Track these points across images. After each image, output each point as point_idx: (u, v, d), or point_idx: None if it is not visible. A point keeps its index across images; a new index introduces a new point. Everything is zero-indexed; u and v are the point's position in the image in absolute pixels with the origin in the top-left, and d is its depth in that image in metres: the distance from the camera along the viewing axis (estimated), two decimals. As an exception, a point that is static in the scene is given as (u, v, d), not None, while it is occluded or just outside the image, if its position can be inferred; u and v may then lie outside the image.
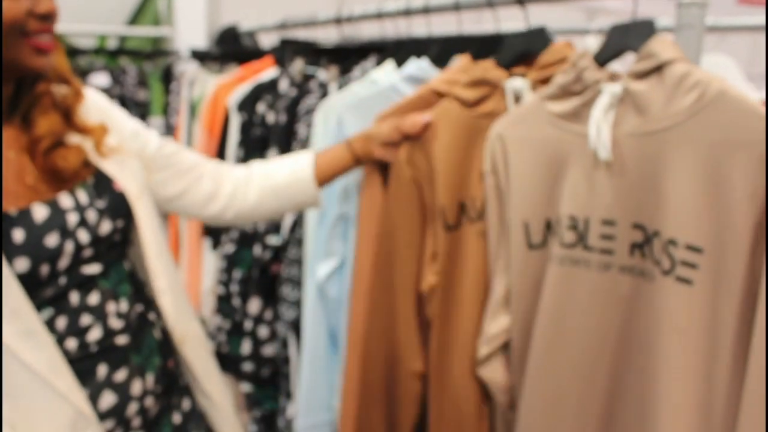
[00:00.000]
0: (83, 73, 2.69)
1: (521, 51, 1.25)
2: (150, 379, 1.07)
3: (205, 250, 2.28)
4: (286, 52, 1.95)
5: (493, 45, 1.35)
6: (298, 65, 1.89)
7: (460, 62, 1.33)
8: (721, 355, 0.90)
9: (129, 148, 1.13)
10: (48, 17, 0.93)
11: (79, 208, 0.99)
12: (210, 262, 2.22)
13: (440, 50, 1.48)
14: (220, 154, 2.13)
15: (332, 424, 1.55)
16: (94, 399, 0.99)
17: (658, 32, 1.00)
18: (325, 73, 1.83)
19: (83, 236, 0.99)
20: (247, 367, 1.91)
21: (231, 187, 1.27)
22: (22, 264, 0.90)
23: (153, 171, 1.18)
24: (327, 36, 2.12)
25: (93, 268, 1.01)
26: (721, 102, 0.88)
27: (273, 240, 1.83)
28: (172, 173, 1.22)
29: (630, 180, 0.98)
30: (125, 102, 2.77)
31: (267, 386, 1.95)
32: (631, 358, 1.02)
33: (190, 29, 2.97)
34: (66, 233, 0.96)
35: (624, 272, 1.01)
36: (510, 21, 1.57)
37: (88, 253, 1.00)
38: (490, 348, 1.18)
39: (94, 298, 1.01)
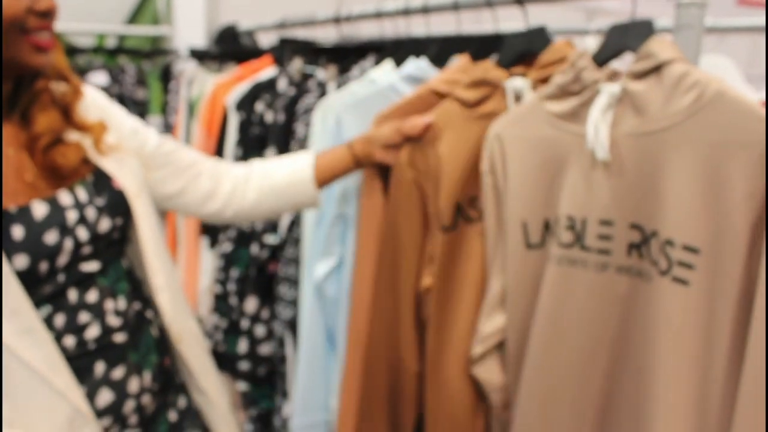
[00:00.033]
0: (82, 72, 2.68)
1: (521, 51, 1.25)
2: (147, 376, 1.07)
3: (202, 249, 2.28)
4: (284, 51, 1.95)
5: (492, 45, 1.35)
6: (296, 64, 1.89)
7: (459, 62, 1.33)
8: (716, 355, 0.90)
9: (128, 146, 1.13)
10: (47, 14, 0.94)
11: (79, 206, 0.99)
12: (207, 261, 2.22)
13: (439, 50, 1.48)
14: (219, 153, 2.13)
15: (329, 423, 1.55)
16: (91, 396, 0.99)
17: (657, 33, 1.00)
18: (323, 73, 1.83)
19: (82, 234, 0.99)
20: (244, 365, 1.91)
21: (230, 186, 1.27)
22: (22, 261, 0.90)
23: (152, 169, 1.18)
24: (326, 35, 2.12)
25: (92, 266, 1.01)
26: (720, 102, 0.88)
27: (270, 239, 1.83)
28: (170, 171, 1.22)
29: (628, 180, 0.98)
30: (124, 101, 2.76)
31: (263, 385, 1.95)
32: (627, 359, 1.01)
33: (189, 28, 2.96)
34: (65, 230, 0.96)
35: (621, 272, 1.01)
36: (509, 21, 1.57)
37: (87, 250, 1.00)
38: (484, 347, 1.17)
39: (92, 296, 1.00)
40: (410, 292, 1.26)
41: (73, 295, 0.98)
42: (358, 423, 1.35)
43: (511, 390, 1.17)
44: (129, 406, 1.04)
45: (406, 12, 1.65)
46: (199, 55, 2.64)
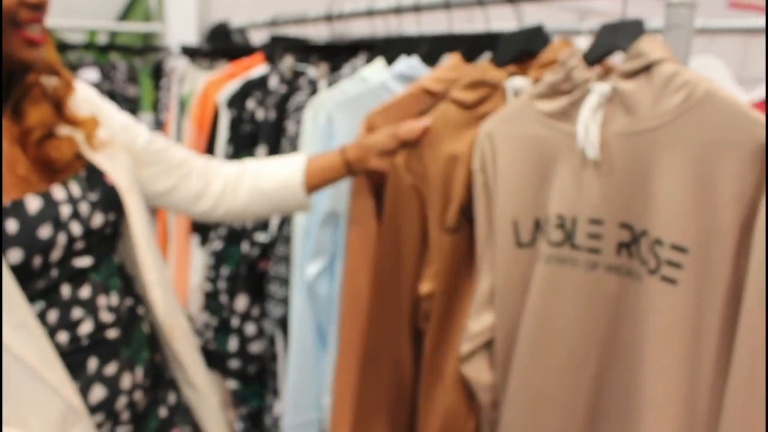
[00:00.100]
0: (73, 69, 2.67)
1: (518, 50, 1.24)
2: (139, 372, 1.07)
3: (193, 247, 2.27)
4: (276, 48, 1.95)
5: (484, 44, 1.35)
6: (288, 62, 1.89)
7: (450, 60, 1.33)
8: (705, 354, 0.90)
9: (119, 141, 1.12)
10: (38, 6, 0.93)
11: (72, 201, 0.99)
12: (198, 259, 2.22)
13: (430, 48, 1.48)
14: (209, 150, 2.13)
15: (321, 422, 1.55)
16: (84, 392, 0.99)
17: (647, 33, 1.00)
18: (315, 71, 1.83)
19: (76, 228, 0.99)
20: (234, 364, 1.91)
21: (220, 186, 1.26)
22: (16, 255, 0.90)
23: (142, 166, 1.18)
24: (317, 33, 2.12)
25: (84, 261, 1.01)
26: (709, 102, 0.88)
27: (261, 237, 1.83)
28: (161, 169, 1.22)
29: (618, 179, 0.98)
30: (115, 98, 2.76)
31: (254, 383, 1.95)
32: (616, 358, 1.02)
33: (180, 25, 2.95)
34: (59, 225, 0.96)
35: (611, 271, 1.01)
36: (501, 20, 1.57)
37: (80, 245, 1.00)
38: (472, 345, 1.17)
39: (85, 292, 1.00)
40: (409, 296, 1.26)
41: (66, 290, 0.98)
42: (355, 424, 1.35)
43: (499, 389, 1.17)
44: (121, 402, 1.04)
45: (398, 10, 1.65)
46: (190, 52, 2.64)
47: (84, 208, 1.00)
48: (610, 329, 1.02)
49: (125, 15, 3.15)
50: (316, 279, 1.48)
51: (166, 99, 2.81)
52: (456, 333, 1.23)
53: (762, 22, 1.51)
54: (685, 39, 1.01)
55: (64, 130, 1.02)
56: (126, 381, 1.04)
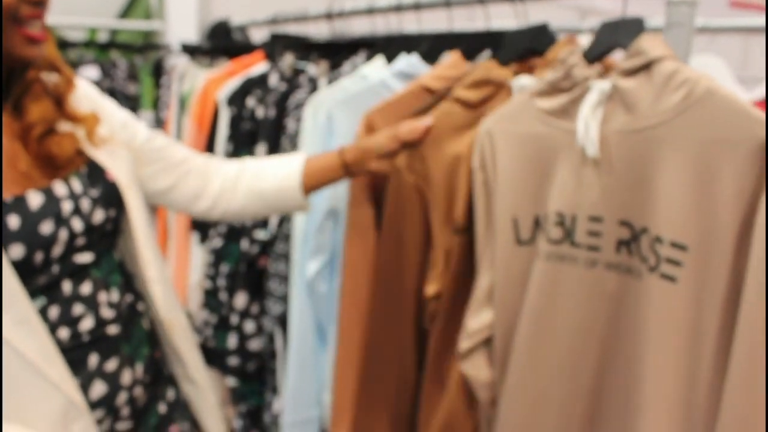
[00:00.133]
0: (73, 66, 2.67)
1: (523, 48, 1.24)
2: (139, 368, 1.07)
3: (192, 244, 2.27)
4: (276, 46, 1.95)
5: (484, 42, 1.36)
6: (288, 60, 1.89)
7: (450, 58, 1.33)
8: (704, 352, 0.90)
9: (119, 138, 1.12)
10: (39, 3, 0.93)
11: (74, 197, 0.99)
12: (197, 256, 2.22)
13: (430, 46, 1.48)
14: (209, 148, 2.13)
15: (321, 419, 1.55)
16: (85, 388, 0.98)
17: (648, 31, 1.00)
18: (315, 68, 1.83)
19: (77, 224, 0.98)
20: (233, 361, 1.91)
21: (218, 187, 1.26)
22: (17, 251, 0.90)
23: (142, 164, 1.18)
24: (318, 31, 2.13)
25: (85, 257, 1.01)
26: (709, 100, 0.88)
27: (260, 234, 1.83)
28: (161, 167, 1.21)
29: (618, 177, 0.98)
30: (115, 95, 2.75)
31: (253, 381, 1.95)
32: (615, 355, 1.02)
33: (181, 23, 2.96)
34: (60, 221, 0.96)
35: (610, 269, 1.01)
36: (502, 18, 1.57)
37: (81, 241, 1.00)
38: (471, 343, 1.17)
39: (86, 288, 1.00)
40: (413, 297, 1.26)
41: (67, 286, 0.98)
42: (355, 421, 1.35)
43: (497, 386, 1.17)
44: (122, 398, 1.04)
45: (398, 8, 1.65)
46: (190, 50, 2.64)
47: (85, 204, 1.00)
48: (610, 327, 1.02)
49: (126, 13, 3.15)
50: (315, 276, 1.48)
51: (166, 97, 2.81)
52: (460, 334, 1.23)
53: (762, 22, 1.51)
54: (685, 37, 1.01)
55: (64, 127, 1.02)
56: (126, 377, 1.04)
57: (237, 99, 1.97)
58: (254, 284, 1.86)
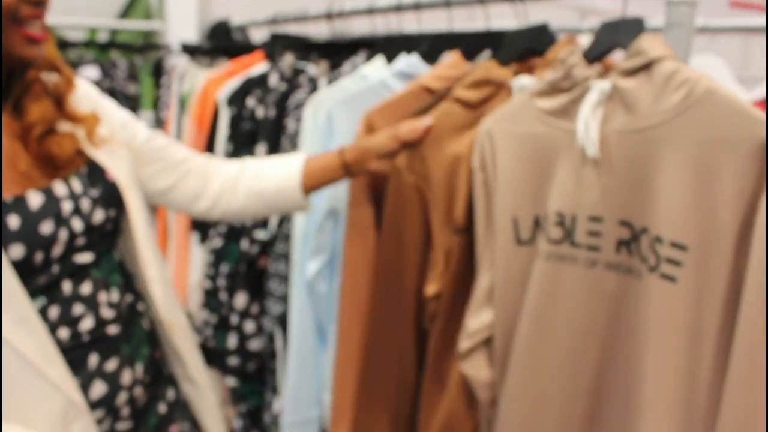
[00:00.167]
0: (73, 66, 2.67)
1: (523, 48, 1.24)
2: (139, 368, 1.07)
3: (193, 244, 2.27)
4: (276, 46, 1.95)
5: (484, 42, 1.36)
6: (288, 60, 1.89)
7: (450, 58, 1.33)
8: (703, 352, 0.90)
9: (119, 138, 1.12)
10: (39, 3, 0.93)
11: (74, 197, 0.99)
12: (197, 256, 2.22)
13: (430, 46, 1.48)
14: (209, 148, 2.13)
15: (321, 419, 1.55)
16: (85, 388, 0.98)
17: (648, 31, 1.00)
18: (315, 68, 1.83)
19: (77, 224, 0.98)
20: (233, 361, 1.91)
21: (218, 186, 1.26)
22: (17, 251, 0.90)
23: (142, 164, 1.18)
24: (318, 31, 2.13)
25: (85, 257, 1.01)
26: (709, 100, 0.88)
27: (260, 234, 1.83)
28: (161, 167, 1.21)
29: (618, 177, 0.98)
30: (115, 95, 2.75)
31: (253, 381, 1.95)
32: (615, 355, 1.02)
33: (181, 23, 2.96)
34: (60, 221, 0.96)
35: (610, 269, 1.01)
36: (502, 19, 1.57)
37: (81, 241, 1.00)
38: (471, 343, 1.17)
39: (86, 288, 1.00)
40: (413, 297, 1.26)
41: (67, 286, 0.98)
42: (355, 422, 1.35)
43: (497, 386, 1.17)
44: (122, 398, 1.04)
45: (398, 8, 1.65)
46: (190, 50, 2.64)
47: (85, 204, 1.00)
48: (610, 327, 1.02)
49: (126, 13, 3.15)
50: (315, 276, 1.48)
51: (166, 97, 2.81)
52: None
53: (762, 22, 1.51)
54: (685, 37, 1.01)
55: (64, 127, 1.02)
56: (126, 377, 1.04)
57: (237, 99, 1.97)
58: (254, 284, 1.86)
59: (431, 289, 1.22)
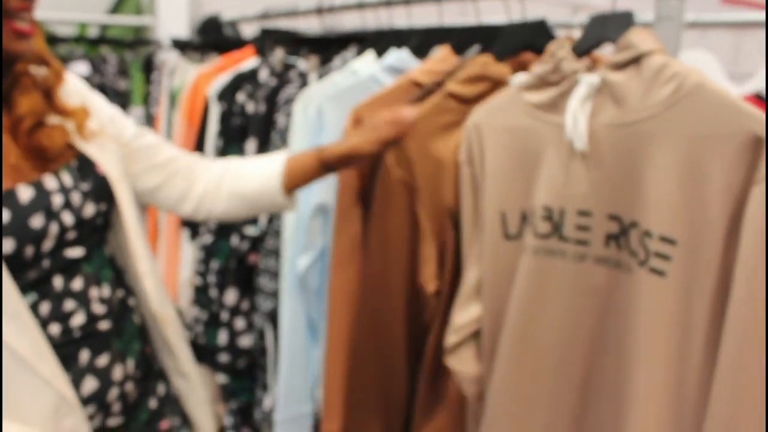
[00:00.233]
0: (63, 62, 2.65)
1: (520, 44, 1.24)
2: (130, 364, 1.07)
3: (183, 241, 2.27)
4: (266, 41, 1.95)
5: (474, 37, 1.35)
6: (278, 55, 1.88)
7: (440, 53, 1.33)
8: (693, 346, 0.90)
9: (108, 132, 1.12)
10: None
11: (64, 190, 0.99)
12: (188, 253, 2.21)
13: (420, 41, 1.48)
14: (200, 143, 2.12)
15: (316, 415, 1.55)
16: (76, 384, 0.98)
17: (637, 25, 0.99)
18: (305, 63, 1.83)
19: (67, 218, 0.98)
20: (224, 358, 1.91)
21: (202, 189, 1.25)
22: (7, 245, 0.90)
23: (131, 161, 1.17)
24: (308, 26, 2.12)
25: (76, 252, 1.01)
26: (698, 94, 0.88)
27: (250, 230, 1.83)
28: (149, 165, 1.21)
29: (606, 171, 0.98)
30: (106, 91, 2.74)
31: (243, 378, 1.95)
32: (605, 349, 1.02)
33: (171, 19, 2.95)
34: (51, 215, 0.95)
35: (599, 263, 1.01)
36: (493, 14, 1.57)
37: (71, 235, 0.99)
38: (458, 337, 1.17)
39: (77, 283, 1.00)
40: (401, 291, 1.25)
41: (58, 282, 0.98)
42: (349, 415, 1.35)
43: (485, 381, 1.17)
44: (113, 393, 1.03)
45: (388, 3, 1.65)
46: (181, 46, 2.63)
47: (76, 197, 1.00)
48: (599, 321, 1.02)
49: (116, 8, 3.14)
50: (306, 272, 1.47)
51: (157, 93, 2.80)
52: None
53: (753, 16, 1.51)
54: (674, 31, 1.01)
55: (54, 120, 1.02)
56: (117, 372, 1.04)
57: (227, 94, 1.96)
58: (244, 281, 1.86)
59: (432, 286, 1.22)
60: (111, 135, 1.12)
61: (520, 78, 1.15)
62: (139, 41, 3.07)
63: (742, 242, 0.84)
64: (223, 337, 1.90)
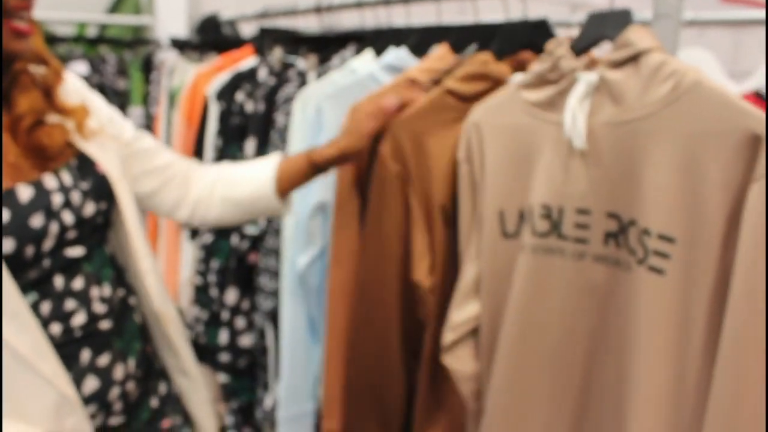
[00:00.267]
0: (62, 61, 2.65)
1: (520, 43, 1.24)
2: (131, 363, 1.08)
3: (183, 240, 2.27)
4: (265, 40, 1.95)
5: (473, 35, 1.35)
6: (277, 54, 1.88)
7: (438, 51, 1.33)
8: (692, 344, 0.90)
9: (108, 131, 1.12)
10: None
11: (64, 189, 0.99)
12: (188, 252, 2.21)
13: (419, 40, 1.48)
14: (199, 143, 2.12)
15: (317, 413, 1.55)
16: (77, 383, 0.99)
17: (635, 23, 0.99)
18: (304, 62, 1.83)
19: (68, 217, 0.98)
20: (224, 357, 1.91)
21: (196, 196, 1.25)
22: (7, 245, 0.90)
23: (128, 165, 1.17)
24: (307, 25, 2.12)
25: (76, 251, 1.01)
26: (696, 92, 0.88)
27: (250, 230, 1.83)
28: (146, 170, 1.21)
29: (605, 169, 0.98)
30: (105, 91, 2.74)
31: (244, 377, 1.95)
32: (604, 347, 1.02)
33: (170, 18, 2.95)
34: (51, 214, 0.95)
35: (598, 261, 1.01)
36: (492, 12, 1.57)
37: (72, 234, 0.99)
38: (455, 335, 1.17)
39: (78, 283, 1.00)
40: (396, 286, 1.25)
41: (59, 281, 0.98)
42: (347, 413, 1.35)
43: (483, 380, 1.17)
44: (114, 393, 1.04)
45: (387, 2, 1.65)
46: (180, 45, 2.63)
47: (76, 197, 1.00)
48: (598, 319, 1.02)
49: (115, 7, 3.13)
50: (306, 270, 1.48)
51: (156, 92, 2.80)
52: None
53: (752, 15, 1.51)
54: (673, 29, 1.01)
55: (53, 119, 1.02)
56: (118, 372, 1.04)
57: (226, 94, 1.96)
58: (245, 280, 1.86)
59: (427, 281, 1.22)
60: (111, 134, 1.12)
61: (520, 78, 1.15)
62: (138, 41, 3.07)
63: (740, 240, 0.84)
64: (223, 336, 1.90)
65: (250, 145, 1.83)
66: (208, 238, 1.93)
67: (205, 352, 1.92)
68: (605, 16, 1.03)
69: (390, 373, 1.29)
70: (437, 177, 1.20)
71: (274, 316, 1.70)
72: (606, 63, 0.98)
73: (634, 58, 0.95)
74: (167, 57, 2.77)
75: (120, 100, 2.81)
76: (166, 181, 1.23)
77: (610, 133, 0.96)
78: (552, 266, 1.04)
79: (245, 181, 1.25)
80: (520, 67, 1.24)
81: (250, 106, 1.87)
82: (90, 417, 1.00)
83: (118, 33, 3.16)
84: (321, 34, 1.89)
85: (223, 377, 1.96)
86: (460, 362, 1.18)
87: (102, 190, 1.05)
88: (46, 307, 0.96)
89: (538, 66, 1.05)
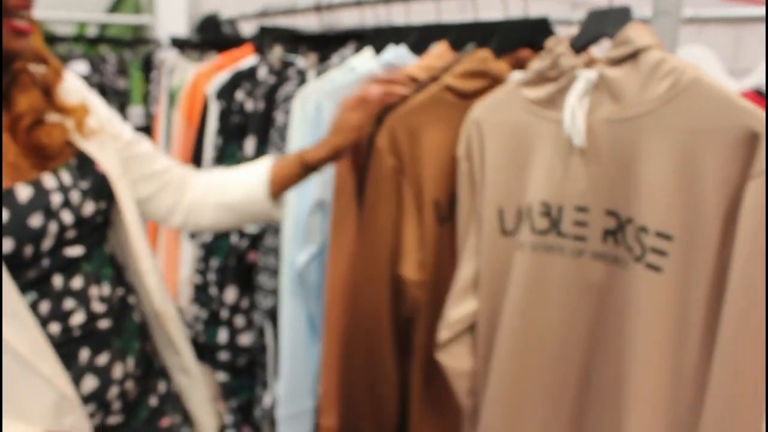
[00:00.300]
0: (62, 61, 2.65)
1: (521, 41, 1.23)
2: (130, 362, 1.07)
3: (182, 239, 2.27)
4: (265, 39, 1.95)
5: (472, 33, 1.35)
6: (277, 52, 1.88)
7: (437, 49, 1.33)
8: (689, 341, 0.90)
9: (107, 131, 1.12)
10: None
11: (63, 189, 0.98)
12: (187, 251, 2.21)
13: (419, 38, 1.48)
14: (199, 142, 2.12)
15: (316, 411, 1.55)
16: (76, 383, 0.98)
17: (635, 20, 0.99)
18: (303, 61, 1.83)
19: (67, 217, 0.98)
20: (224, 356, 1.91)
21: (189, 201, 1.25)
22: (6, 244, 0.90)
23: (127, 169, 1.17)
24: (307, 24, 2.12)
25: (76, 251, 1.01)
26: (695, 89, 0.88)
27: (250, 228, 1.83)
28: (143, 175, 1.20)
29: (604, 166, 0.98)
30: (105, 90, 2.75)
31: (243, 376, 1.95)
32: (603, 344, 1.02)
33: (170, 17, 2.95)
34: (50, 214, 0.95)
35: (596, 259, 1.00)
36: (491, 10, 1.57)
37: (71, 234, 0.99)
38: (451, 333, 1.17)
39: (77, 282, 1.00)
40: (388, 281, 1.25)
41: (58, 281, 0.98)
42: (342, 409, 1.35)
43: (480, 377, 1.17)
44: (113, 392, 1.04)
45: (387, 0, 1.65)
46: (180, 44, 2.63)
47: (75, 196, 1.00)
48: (597, 316, 1.02)
49: (115, 7, 3.14)
50: (305, 267, 1.47)
51: (156, 92, 2.80)
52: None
53: (751, 12, 1.51)
54: (672, 27, 1.01)
55: (53, 118, 1.01)
56: (117, 371, 1.04)
57: (226, 92, 1.96)
58: (244, 278, 1.86)
59: (416, 276, 1.21)
60: (111, 133, 1.12)
61: (519, 76, 1.15)
62: (138, 40, 3.08)
63: (738, 237, 0.84)
64: (223, 335, 1.90)
65: (250, 143, 1.83)
66: (207, 237, 1.93)
67: (204, 351, 1.92)
68: (605, 14, 1.03)
69: (382, 369, 1.29)
70: (432, 172, 1.20)
71: (273, 315, 1.70)
72: (605, 60, 0.97)
73: (633, 56, 0.95)
74: (167, 56, 2.77)
75: (120, 99, 2.82)
76: (162, 186, 1.23)
77: (609, 131, 0.96)
78: (551, 264, 1.04)
79: (237, 185, 1.25)
80: (520, 64, 1.24)
81: (249, 105, 1.87)
82: (89, 416, 1.00)
83: (118, 32, 3.16)
84: (321, 33, 1.89)
85: (222, 376, 1.97)
86: (454, 359, 1.18)
87: (101, 189, 1.05)
88: (45, 306, 0.96)
89: (537, 63, 1.05)
